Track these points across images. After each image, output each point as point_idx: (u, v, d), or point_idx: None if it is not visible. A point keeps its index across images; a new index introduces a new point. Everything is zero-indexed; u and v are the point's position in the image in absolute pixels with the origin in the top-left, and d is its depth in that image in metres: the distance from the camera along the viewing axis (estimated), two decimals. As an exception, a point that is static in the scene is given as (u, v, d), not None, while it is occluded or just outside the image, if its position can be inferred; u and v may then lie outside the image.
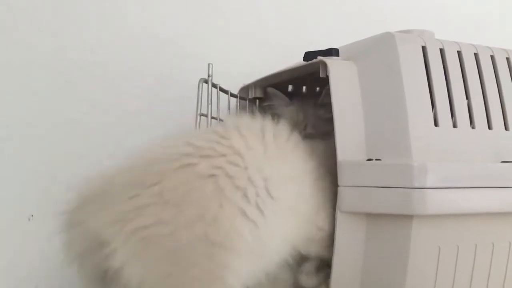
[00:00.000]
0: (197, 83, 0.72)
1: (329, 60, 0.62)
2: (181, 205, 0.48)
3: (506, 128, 0.63)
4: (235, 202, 0.51)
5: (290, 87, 0.85)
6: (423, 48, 0.61)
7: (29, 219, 0.81)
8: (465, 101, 0.61)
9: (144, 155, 0.52)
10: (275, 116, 0.72)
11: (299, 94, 0.84)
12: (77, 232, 0.51)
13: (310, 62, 0.65)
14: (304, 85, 0.86)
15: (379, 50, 0.62)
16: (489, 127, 0.62)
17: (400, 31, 0.64)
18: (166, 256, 0.48)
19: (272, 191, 0.54)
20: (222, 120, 0.75)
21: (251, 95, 0.81)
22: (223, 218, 0.49)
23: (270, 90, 0.78)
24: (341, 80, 0.61)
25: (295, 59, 0.72)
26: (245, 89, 0.82)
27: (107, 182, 0.50)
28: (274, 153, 0.57)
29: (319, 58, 0.63)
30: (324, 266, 0.62)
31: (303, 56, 0.67)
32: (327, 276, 0.60)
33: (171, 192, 0.48)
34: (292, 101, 0.77)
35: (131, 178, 0.50)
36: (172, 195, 0.48)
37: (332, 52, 0.64)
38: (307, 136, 0.68)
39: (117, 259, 0.47)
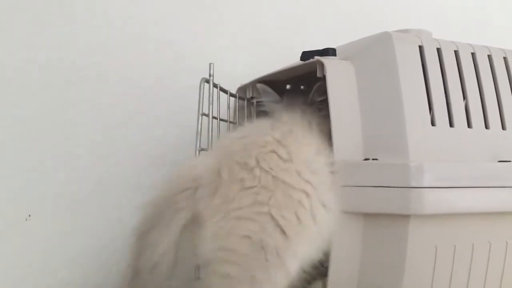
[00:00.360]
0: (198, 83, 0.72)
1: (326, 60, 0.62)
2: (273, 189, 0.54)
3: (503, 128, 0.63)
4: (308, 193, 0.55)
5: (288, 87, 0.85)
6: (420, 47, 0.61)
7: (26, 219, 0.81)
8: (462, 101, 0.61)
9: (240, 140, 0.58)
10: (265, 113, 0.72)
11: (289, 91, 0.84)
12: (175, 218, 0.54)
13: (307, 61, 0.65)
14: (302, 85, 0.86)
15: (376, 49, 0.62)
16: (486, 127, 0.62)
17: (398, 31, 0.64)
18: (250, 236, 0.52)
19: (331, 191, 0.58)
20: (222, 120, 0.75)
21: (249, 94, 0.81)
22: (302, 207, 0.55)
23: (260, 86, 0.78)
24: (338, 80, 0.61)
25: (295, 59, 0.72)
26: (243, 89, 0.82)
27: (211, 169, 0.55)
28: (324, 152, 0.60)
29: (316, 58, 0.63)
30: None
31: (296, 54, 0.67)
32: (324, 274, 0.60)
33: (266, 174, 0.54)
34: (281, 98, 0.77)
35: (236, 162, 0.55)
36: (266, 179, 0.54)
37: (329, 51, 0.64)
38: None
39: (207, 234, 0.52)
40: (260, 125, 0.64)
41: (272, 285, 0.52)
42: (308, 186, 0.55)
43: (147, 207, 0.56)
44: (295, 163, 0.56)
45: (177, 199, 0.54)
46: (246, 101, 0.82)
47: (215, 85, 0.72)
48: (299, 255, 0.54)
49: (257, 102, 0.80)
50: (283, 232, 0.53)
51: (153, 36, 0.91)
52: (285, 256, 0.53)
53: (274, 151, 0.56)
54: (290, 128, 0.60)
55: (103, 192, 0.87)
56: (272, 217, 0.53)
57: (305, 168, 0.56)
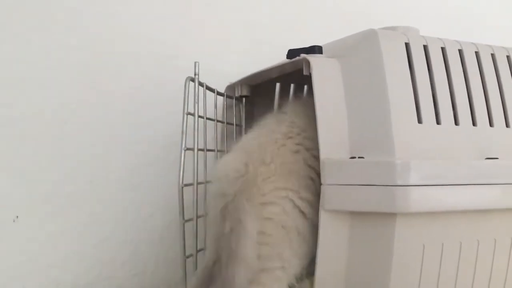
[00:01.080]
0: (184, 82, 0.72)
1: (312, 58, 0.61)
2: (288, 177, 0.61)
3: (491, 125, 0.62)
4: (313, 177, 0.62)
5: (277, 85, 0.85)
6: (407, 44, 0.60)
7: (14, 220, 0.81)
8: (449, 98, 0.61)
9: (254, 141, 0.65)
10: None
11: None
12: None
13: (293, 60, 0.65)
14: (292, 83, 0.86)
15: (362, 47, 0.61)
16: (474, 124, 0.61)
17: (385, 28, 0.64)
18: (272, 217, 0.59)
19: None
20: (209, 119, 0.75)
21: (237, 93, 0.81)
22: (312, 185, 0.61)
23: None
24: (324, 78, 0.61)
25: (283, 58, 0.72)
26: (231, 87, 0.81)
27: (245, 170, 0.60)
28: None
29: (302, 55, 0.63)
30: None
31: (286, 53, 0.66)
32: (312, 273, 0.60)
33: (281, 166, 0.61)
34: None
35: (257, 160, 0.61)
36: (281, 169, 0.61)
37: (315, 49, 0.64)
38: None
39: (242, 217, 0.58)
40: (268, 123, 0.68)
41: (299, 259, 0.60)
42: (313, 171, 0.62)
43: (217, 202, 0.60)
44: (301, 153, 0.62)
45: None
46: (234, 100, 0.82)
47: (201, 84, 0.72)
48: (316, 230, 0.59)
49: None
50: (301, 212, 0.60)
51: (144, 35, 0.90)
52: (304, 232, 0.60)
53: (284, 145, 0.63)
54: (292, 120, 0.66)
55: (94, 192, 0.87)
56: (290, 199, 0.59)
57: (309, 155, 0.62)
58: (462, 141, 0.60)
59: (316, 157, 0.61)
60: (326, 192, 0.57)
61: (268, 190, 0.60)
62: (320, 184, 0.59)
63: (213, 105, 0.78)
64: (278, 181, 0.60)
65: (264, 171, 0.60)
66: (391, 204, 0.54)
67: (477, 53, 0.64)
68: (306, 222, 0.60)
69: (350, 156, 0.58)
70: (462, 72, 0.62)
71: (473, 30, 1.11)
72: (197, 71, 0.70)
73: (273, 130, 0.65)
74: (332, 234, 0.58)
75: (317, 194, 0.60)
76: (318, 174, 0.60)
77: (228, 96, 0.81)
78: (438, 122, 0.59)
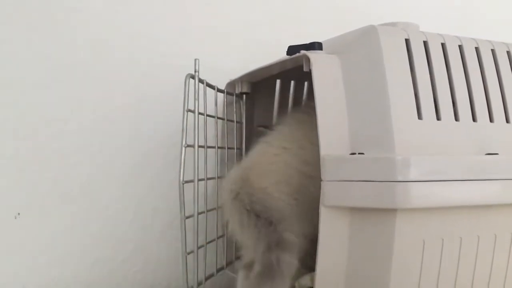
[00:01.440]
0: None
1: (312, 54, 0.61)
2: (268, 177, 0.67)
3: (491, 120, 0.62)
4: (295, 166, 0.67)
5: (278, 82, 0.85)
6: (407, 40, 0.60)
7: (15, 218, 0.81)
8: (449, 94, 0.61)
9: (249, 157, 0.73)
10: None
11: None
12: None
13: (293, 56, 0.65)
14: (292, 79, 0.86)
15: (362, 43, 0.61)
16: (474, 120, 0.61)
17: (384, 24, 0.63)
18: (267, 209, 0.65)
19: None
20: (209, 116, 0.75)
21: (238, 90, 0.81)
22: (295, 179, 0.67)
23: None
24: (324, 74, 0.61)
25: (283, 55, 0.72)
26: (232, 84, 0.82)
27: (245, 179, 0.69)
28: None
29: (302, 52, 0.63)
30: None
31: (286, 50, 0.66)
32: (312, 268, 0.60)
33: (265, 168, 0.68)
34: None
35: (247, 168, 0.70)
36: (263, 171, 0.67)
37: (315, 46, 0.64)
38: None
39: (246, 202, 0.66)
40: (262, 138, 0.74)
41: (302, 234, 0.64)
42: (290, 168, 0.67)
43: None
44: (281, 155, 0.68)
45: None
46: (235, 97, 0.82)
47: (201, 81, 0.72)
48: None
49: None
50: (286, 202, 0.65)
51: (144, 34, 0.91)
52: (297, 214, 0.64)
53: (266, 152, 0.69)
54: (280, 129, 0.72)
55: (95, 190, 0.87)
56: (272, 195, 0.64)
57: (289, 154, 0.67)
58: (462, 137, 0.60)
59: (296, 155, 0.67)
60: (326, 188, 0.57)
61: (256, 188, 0.66)
62: (299, 178, 0.64)
63: (214, 102, 0.78)
64: (260, 181, 0.66)
65: (250, 176, 0.67)
66: (391, 200, 0.54)
67: (477, 49, 0.64)
68: (294, 210, 0.65)
69: (350, 152, 0.58)
70: (462, 68, 0.62)
71: (473, 26, 1.12)
72: (197, 68, 0.70)
73: (262, 141, 0.72)
74: (332, 230, 0.58)
75: (295, 186, 0.65)
76: (297, 170, 0.66)
77: (228, 93, 0.81)
78: (438, 118, 0.59)
